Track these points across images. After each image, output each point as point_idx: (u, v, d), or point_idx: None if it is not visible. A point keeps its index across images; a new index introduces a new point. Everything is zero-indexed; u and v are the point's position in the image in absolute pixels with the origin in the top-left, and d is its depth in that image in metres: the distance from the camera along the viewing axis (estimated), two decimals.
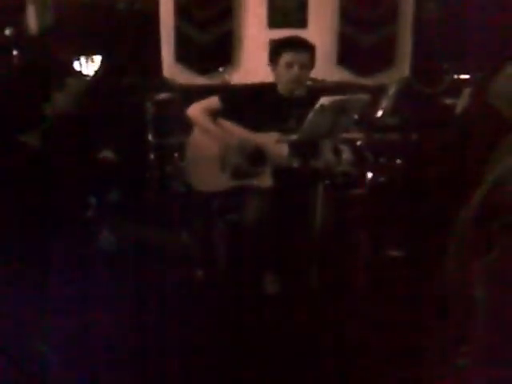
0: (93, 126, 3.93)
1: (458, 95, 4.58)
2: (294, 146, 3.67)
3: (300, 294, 3.78)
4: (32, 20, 5.26)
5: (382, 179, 4.35)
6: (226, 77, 5.80)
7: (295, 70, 3.70)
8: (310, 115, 3.27)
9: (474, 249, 2.46)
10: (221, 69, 5.86)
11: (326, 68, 5.21)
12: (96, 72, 4.99)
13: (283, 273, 3.90)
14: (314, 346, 3.34)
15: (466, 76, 5.22)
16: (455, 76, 5.27)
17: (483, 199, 2.42)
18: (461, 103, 4.45)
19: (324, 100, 3.20)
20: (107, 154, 4.67)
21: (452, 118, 4.28)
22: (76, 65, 4.99)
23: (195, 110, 3.82)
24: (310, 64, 3.77)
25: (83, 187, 4.28)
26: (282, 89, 3.79)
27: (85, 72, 4.97)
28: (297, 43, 3.77)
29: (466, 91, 4.52)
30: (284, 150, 3.69)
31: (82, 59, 5.01)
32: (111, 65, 5.19)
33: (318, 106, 3.20)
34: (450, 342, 2.72)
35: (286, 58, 3.72)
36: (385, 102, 4.75)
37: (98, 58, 5.08)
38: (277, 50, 3.78)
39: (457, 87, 4.86)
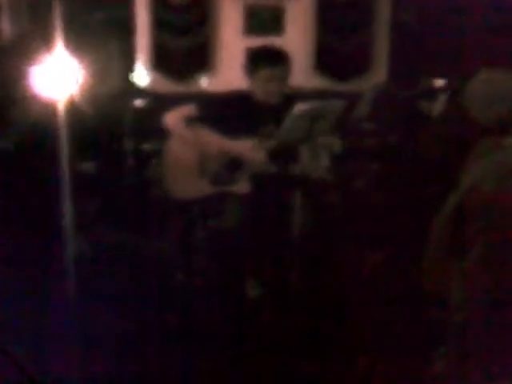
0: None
1: (434, 100, 4.61)
2: (271, 153, 3.68)
3: (281, 297, 3.79)
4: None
5: (359, 184, 4.37)
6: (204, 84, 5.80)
7: (273, 84, 3.68)
8: (287, 122, 3.28)
9: (450, 251, 2.48)
10: (197, 76, 5.86)
11: (302, 74, 5.22)
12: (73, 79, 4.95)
13: (264, 277, 3.91)
14: (297, 348, 3.35)
15: (443, 80, 5.25)
16: (432, 80, 5.30)
17: (458, 203, 2.43)
18: (437, 108, 4.48)
19: (300, 106, 3.22)
20: (86, 162, 4.65)
21: (428, 122, 4.30)
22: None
23: (172, 118, 3.82)
24: (288, 76, 3.77)
25: (60, 194, 4.25)
26: (258, 97, 3.79)
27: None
28: (274, 57, 3.74)
29: (442, 96, 4.56)
30: (261, 156, 3.69)
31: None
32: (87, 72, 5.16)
33: (293, 112, 3.21)
34: (427, 343, 2.74)
35: (263, 73, 3.69)
36: (362, 108, 4.77)
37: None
38: (254, 64, 3.75)
39: (433, 92, 4.90)
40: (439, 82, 5.20)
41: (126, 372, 3.06)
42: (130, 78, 5.67)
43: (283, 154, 3.66)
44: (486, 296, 2.31)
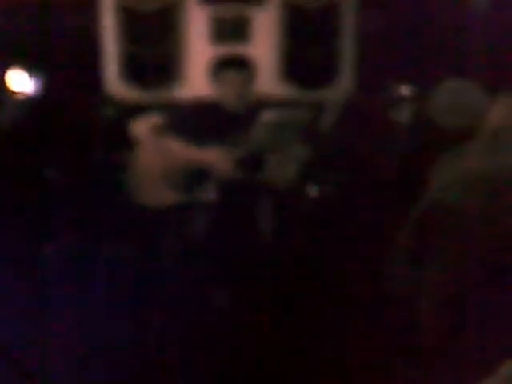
0: (34, 144, 3.88)
1: (401, 108, 4.65)
2: (238, 161, 3.68)
3: (250, 307, 3.79)
4: None
5: (328, 193, 4.38)
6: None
7: (236, 87, 3.73)
8: (254, 130, 3.29)
9: (412, 260, 2.50)
10: (165, 85, 5.84)
11: (269, 83, 5.24)
12: (36, 89, 4.91)
13: (233, 286, 3.90)
14: (266, 359, 3.35)
15: (410, 89, 5.29)
16: (399, 89, 5.34)
17: (423, 211, 2.46)
18: (404, 116, 4.52)
19: (267, 115, 3.23)
20: (51, 171, 4.61)
21: (396, 131, 4.33)
22: (13, 82, 4.90)
23: (139, 127, 3.81)
24: (251, 81, 3.81)
25: (29, 204, 4.22)
26: (225, 105, 3.80)
27: (23, 89, 4.89)
28: (236, 62, 3.81)
29: (409, 104, 4.60)
30: (229, 165, 3.70)
31: (21, 75, 4.91)
32: (53, 81, 5.12)
33: (261, 120, 3.23)
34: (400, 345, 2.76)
35: (226, 77, 3.76)
36: (329, 116, 4.78)
37: (37, 74, 5.00)
38: (217, 69, 3.82)
39: (400, 100, 4.94)
40: (406, 91, 5.24)
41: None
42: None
43: (251, 163, 3.67)
44: (447, 305, 2.33)
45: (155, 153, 3.79)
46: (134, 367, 3.17)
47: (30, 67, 4.95)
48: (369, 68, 5.73)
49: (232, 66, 3.76)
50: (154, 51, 5.71)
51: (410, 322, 2.51)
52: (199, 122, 3.77)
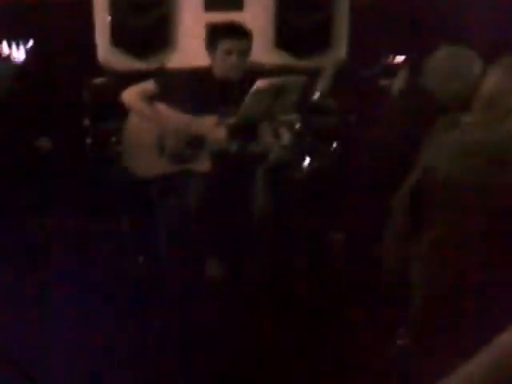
0: (25, 113, 3.84)
1: (394, 76, 4.62)
2: (231, 130, 3.66)
3: (243, 276, 3.79)
4: None
5: (320, 162, 4.37)
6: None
7: (233, 57, 3.67)
8: (247, 98, 3.26)
9: (408, 232, 2.49)
10: (158, 53, 5.79)
11: (263, 50, 5.19)
12: (26, 57, 4.86)
13: (226, 256, 3.90)
14: (258, 330, 3.36)
15: (403, 57, 5.26)
16: (392, 57, 5.31)
17: (416, 182, 2.44)
18: (396, 84, 4.49)
19: (259, 83, 3.20)
20: (43, 141, 4.58)
21: (388, 99, 4.31)
22: (3, 49, 4.85)
23: (131, 95, 3.77)
24: (248, 50, 3.76)
25: (18, 175, 4.19)
26: (219, 73, 3.76)
27: (14, 57, 4.84)
28: (234, 30, 3.74)
29: (401, 72, 4.57)
30: (222, 133, 3.67)
31: (10, 43, 4.86)
32: (43, 49, 5.07)
33: (253, 88, 3.19)
34: (388, 325, 2.76)
35: (223, 45, 3.68)
36: (322, 84, 4.76)
37: (27, 42, 4.95)
38: (214, 37, 3.74)
39: (393, 68, 4.91)
40: (399, 59, 5.21)
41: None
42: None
43: (244, 132, 3.65)
44: (443, 278, 2.33)
45: (147, 121, 3.76)
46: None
47: (20, 35, 4.90)
48: (362, 36, 5.69)
49: (228, 34, 3.69)
50: (146, 18, 5.64)
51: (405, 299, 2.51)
52: (192, 90, 3.73)
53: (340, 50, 5.94)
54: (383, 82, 4.90)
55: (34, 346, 3.04)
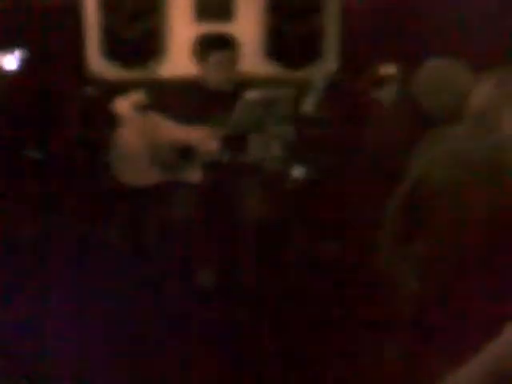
0: (16, 123, 3.84)
1: (384, 88, 4.64)
2: (222, 141, 3.66)
3: (233, 287, 3.79)
4: None
5: (311, 174, 4.38)
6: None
7: (223, 69, 3.70)
8: (238, 109, 3.27)
9: (400, 239, 2.50)
10: (148, 63, 5.79)
11: (253, 61, 5.20)
12: (18, 67, 4.86)
13: (215, 266, 3.90)
14: (251, 338, 3.36)
15: (394, 69, 5.28)
16: (382, 68, 5.33)
17: (407, 192, 2.45)
18: (387, 96, 4.51)
19: (249, 94, 3.21)
20: (32, 150, 4.57)
21: (378, 112, 4.33)
22: None
23: (123, 105, 3.78)
24: (237, 60, 3.78)
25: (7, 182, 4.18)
26: (209, 84, 3.77)
27: (5, 67, 4.84)
28: (222, 42, 3.77)
29: (392, 84, 4.59)
30: (213, 144, 3.68)
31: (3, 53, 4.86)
32: (34, 60, 5.07)
33: (245, 99, 3.21)
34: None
35: (213, 57, 3.72)
36: (313, 96, 4.77)
37: (19, 53, 4.95)
38: (203, 49, 3.78)
39: (384, 80, 4.92)
40: (390, 70, 5.23)
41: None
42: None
43: (235, 143, 3.66)
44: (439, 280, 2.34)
45: (138, 131, 3.76)
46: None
47: (11, 44, 4.90)
48: (353, 47, 5.71)
49: (217, 46, 3.72)
50: (137, 28, 5.65)
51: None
52: (183, 100, 3.74)
53: (331, 61, 5.96)
54: (374, 94, 4.92)
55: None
